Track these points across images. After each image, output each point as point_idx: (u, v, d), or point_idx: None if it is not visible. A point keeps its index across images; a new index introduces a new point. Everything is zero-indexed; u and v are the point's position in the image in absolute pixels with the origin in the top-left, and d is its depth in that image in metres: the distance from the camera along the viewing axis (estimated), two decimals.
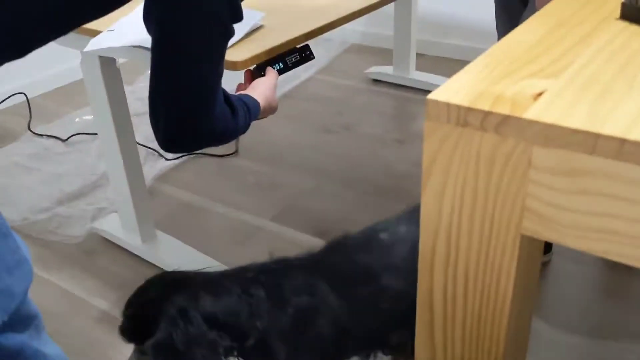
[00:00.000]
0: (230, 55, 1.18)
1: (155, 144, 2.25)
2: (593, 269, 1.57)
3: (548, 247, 1.52)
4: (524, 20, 1.30)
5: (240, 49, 1.21)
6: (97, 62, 1.49)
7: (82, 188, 2.10)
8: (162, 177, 2.15)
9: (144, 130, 2.24)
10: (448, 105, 0.53)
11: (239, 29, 1.26)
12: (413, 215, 1.10)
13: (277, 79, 1.22)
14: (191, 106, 0.85)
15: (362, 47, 3.23)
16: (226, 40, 0.85)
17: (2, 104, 2.69)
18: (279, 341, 0.93)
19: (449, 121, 0.53)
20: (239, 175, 2.15)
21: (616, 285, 1.52)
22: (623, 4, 0.68)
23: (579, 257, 1.58)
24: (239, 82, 1.24)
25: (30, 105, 2.67)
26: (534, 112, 0.50)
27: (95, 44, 1.29)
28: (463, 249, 0.58)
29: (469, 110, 0.52)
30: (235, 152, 2.28)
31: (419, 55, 2.81)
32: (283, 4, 1.46)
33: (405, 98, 2.65)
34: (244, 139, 2.34)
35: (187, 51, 0.81)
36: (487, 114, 0.51)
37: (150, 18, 0.80)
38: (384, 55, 3.02)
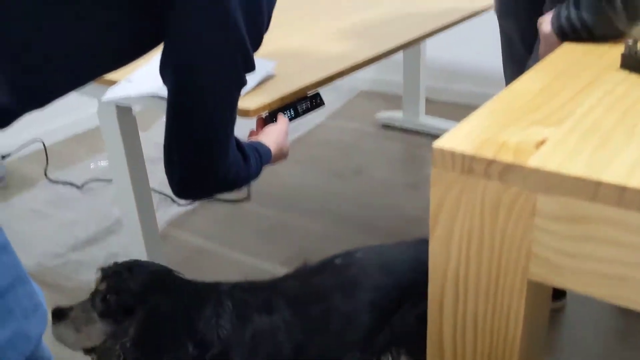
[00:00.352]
0: (243, 103, 1.22)
1: (168, 190, 2.27)
2: (608, 314, 1.55)
3: (562, 293, 1.51)
4: (529, 67, 1.33)
5: (252, 97, 1.25)
6: (113, 111, 1.53)
7: (96, 234, 2.13)
8: (175, 222, 2.17)
9: (157, 176, 2.27)
10: (453, 153, 0.54)
11: (252, 78, 1.30)
12: (372, 247, 1.19)
13: (288, 125, 1.25)
14: (205, 154, 0.87)
15: (372, 93, 3.29)
16: (240, 89, 0.88)
17: (20, 151, 2.75)
18: (238, 354, 0.97)
19: (454, 169, 0.55)
20: (251, 220, 2.17)
21: (631, 331, 1.50)
22: (623, 54, 0.70)
23: (593, 302, 1.57)
24: (250, 129, 1.27)
25: (48, 152, 2.73)
26: (536, 160, 0.51)
27: (112, 94, 1.33)
28: (471, 293, 0.59)
29: (474, 158, 0.53)
30: (247, 197, 2.31)
31: (428, 100, 2.85)
32: (294, 53, 1.50)
33: (415, 142, 2.68)
34: (255, 184, 2.37)
35: (202, 101, 0.84)
36: (490, 162, 0.52)
37: (166, 69, 0.84)
38: (393, 101, 3.07)
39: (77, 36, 0.75)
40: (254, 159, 1.01)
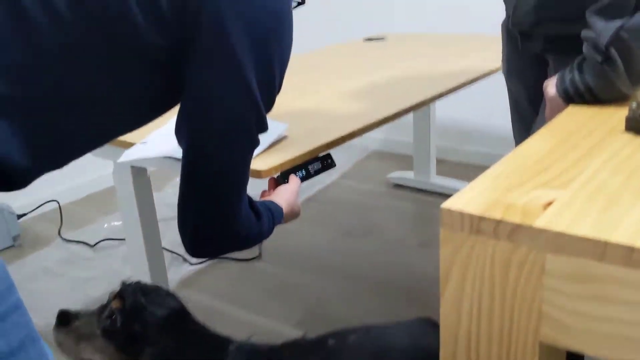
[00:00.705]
0: (255, 164, 1.24)
1: (180, 249, 2.28)
2: None
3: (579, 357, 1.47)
4: (536, 129, 1.35)
5: (264, 159, 1.27)
6: (128, 172, 1.56)
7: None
8: (186, 282, 2.16)
9: (170, 235, 2.29)
10: (462, 213, 0.55)
11: (265, 139, 1.33)
12: (368, 329, 1.16)
13: (299, 185, 1.26)
14: (219, 213, 0.89)
15: (383, 153, 3.33)
16: (253, 149, 0.90)
17: (35, 210, 2.78)
18: None
19: (463, 229, 0.55)
20: (262, 280, 2.16)
21: None
22: (627, 117, 0.72)
23: None
24: (263, 189, 1.28)
25: (62, 211, 2.76)
26: (544, 221, 0.52)
27: (128, 155, 1.36)
28: (483, 355, 0.58)
29: (482, 218, 0.54)
30: (259, 256, 2.30)
31: (439, 161, 2.88)
32: (306, 115, 1.54)
33: (426, 202, 2.69)
34: (267, 242, 2.38)
35: (216, 161, 0.86)
36: (499, 222, 0.53)
37: (181, 129, 0.86)
38: (404, 161, 3.10)
39: (95, 96, 0.78)
40: (267, 217, 1.03)
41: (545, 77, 1.32)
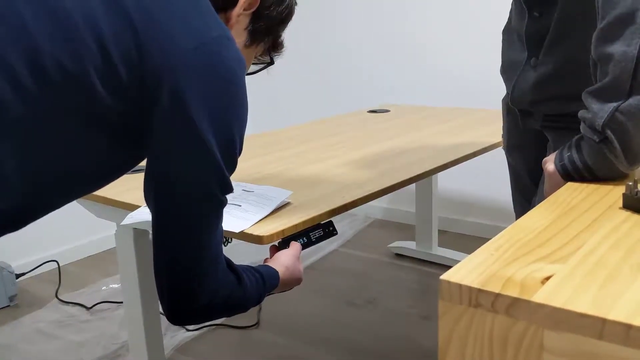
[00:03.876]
0: (257, 230, 1.25)
1: None
2: None
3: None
4: (536, 203, 1.36)
5: (265, 225, 1.28)
6: (131, 234, 1.57)
7: (102, 358, 2.08)
8: (182, 349, 2.12)
9: None
10: (460, 286, 0.55)
11: (267, 205, 1.35)
12: None
13: (300, 251, 1.26)
14: (191, 276, 0.89)
15: (385, 222, 3.33)
16: (218, 210, 0.90)
17: (34, 270, 2.77)
18: None
19: (461, 301, 0.55)
20: (260, 349, 2.11)
21: None
22: (624, 194, 0.73)
23: None
24: (265, 257, 1.28)
25: (61, 272, 2.75)
26: (542, 295, 0.52)
27: (132, 218, 1.37)
28: None
29: (480, 291, 0.54)
30: (257, 324, 2.27)
31: (441, 231, 2.88)
32: (309, 182, 1.56)
33: (428, 273, 2.67)
34: (266, 310, 2.35)
35: (183, 224, 0.86)
36: (497, 295, 0.53)
37: (148, 195, 0.88)
38: (406, 230, 3.10)
39: (62, 159, 0.81)
40: (253, 281, 1.02)
41: (544, 152, 1.35)
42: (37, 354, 2.13)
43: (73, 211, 1.60)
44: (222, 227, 0.93)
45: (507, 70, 1.36)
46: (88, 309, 2.46)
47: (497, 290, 0.53)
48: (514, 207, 1.57)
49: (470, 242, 2.95)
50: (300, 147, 1.99)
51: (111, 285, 2.64)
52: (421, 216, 2.77)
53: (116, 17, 0.78)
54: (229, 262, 0.97)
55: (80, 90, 0.77)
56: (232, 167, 0.89)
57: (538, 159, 1.39)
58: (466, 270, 0.58)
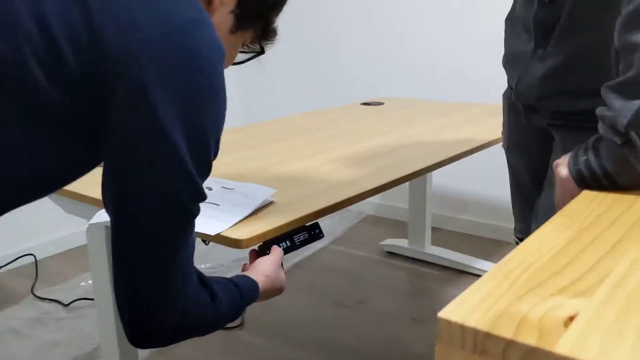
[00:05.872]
0: (235, 232, 1.14)
1: None
2: None
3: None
4: (541, 208, 1.25)
5: (245, 227, 1.17)
6: (102, 231, 1.46)
7: (76, 359, 1.97)
8: (160, 351, 2.01)
9: None
10: (463, 327, 0.45)
11: (248, 204, 1.23)
12: None
13: (282, 256, 1.15)
14: (155, 293, 0.76)
15: (377, 218, 3.22)
16: (188, 220, 0.78)
17: (10, 264, 2.65)
18: None
19: (464, 347, 0.45)
20: (244, 351, 2.01)
21: None
22: None
23: None
24: (244, 263, 1.17)
25: (38, 266, 2.63)
26: (567, 345, 0.41)
27: (101, 217, 1.26)
28: None
29: (488, 336, 0.43)
30: (241, 325, 2.16)
31: (434, 229, 2.77)
32: (295, 180, 1.45)
33: (420, 273, 2.57)
34: (250, 310, 2.24)
35: (144, 237, 0.74)
36: (509, 342, 0.43)
37: (105, 202, 0.75)
38: (399, 227, 3.00)
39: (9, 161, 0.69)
40: (229, 296, 0.90)
41: (549, 153, 1.24)
42: (9, 356, 2.01)
43: (51, 202, 1.48)
44: (194, 239, 0.81)
45: (511, 62, 1.25)
46: (65, 305, 2.34)
47: (509, 336, 0.43)
48: (513, 209, 1.47)
49: (464, 240, 2.85)
50: (287, 141, 1.88)
51: (90, 281, 2.52)
52: (414, 213, 2.67)
53: None
54: (201, 278, 0.85)
55: (13, 77, 0.65)
56: (205, 172, 0.76)
57: (541, 159, 1.29)
58: (470, 306, 0.47)
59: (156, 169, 0.71)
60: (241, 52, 0.95)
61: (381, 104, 2.54)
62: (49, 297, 2.40)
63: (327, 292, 2.40)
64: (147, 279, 0.76)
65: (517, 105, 1.27)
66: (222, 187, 1.34)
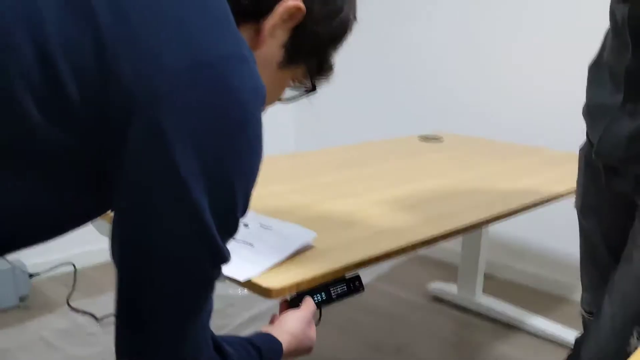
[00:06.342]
0: (266, 280, 1.04)
1: None
2: None
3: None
4: (616, 286, 1.09)
5: (278, 274, 1.06)
6: None
7: None
8: None
9: None
10: None
11: (286, 248, 1.13)
12: None
13: (314, 311, 1.04)
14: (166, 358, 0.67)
15: (426, 258, 3.06)
16: (206, 286, 0.67)
17: (50, 271, 2.64)
18: None
19: None
20: None
21: None
22: None
23: None
24: (273, 314, 1.06)
25: (77, 276, 2.61)
26: None
27: None
28: None
29: None
30: None
31: (487, 276, 2.60)
32: (338, 222, 1.34)
33: (468, 323, 2.40)
34: None
35: (154, 301, 0.64)
36: None
37: (113, 252, 0.65)
38: (449, 270, 2.83)
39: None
40: None
41: (631, 222, 1.09)
42: None
43: None
44: (212, 302, 0.71)
45: (593, 114, 1.11)
46: (97, 319, 2.30)
47: None
48: (582, 278, 1.31)
49: (519, 292, 2.66)
50: (336, 174, 1.77)
51: None
52: (467, 257, 2.50)
53: (74, 15, 0.56)
54: (217, 344, 0.75)
55: (4, 116, 0.55)
56: (229, 233, 0.66)
57: (621, 228, 1.13)
58: None
59: (171, 228, 0.61)
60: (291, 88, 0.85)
61: (439, 139, 2.40)
62: (83, 309, 2.36)
63: (364, 334, 2.27)
64: (153, 351, 0.66)
65: (596, 165, 1.12)
66: (260, 224, 1.24)
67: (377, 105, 3.19)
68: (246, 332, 2.20)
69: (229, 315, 2.28)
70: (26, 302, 2.40)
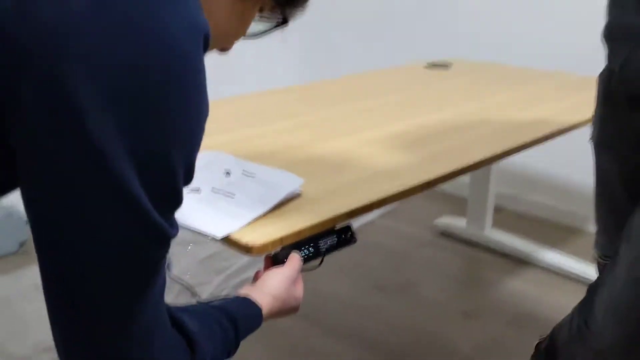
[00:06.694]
0: (246, 235, 0.94)
1: (189, 278, 2.02)
2: None
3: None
4: (634, 225, 0.99)
5: (261, 227, 0.97)
6: None
7: None
8: None
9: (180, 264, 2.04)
10: None
11: (269, 198, 1.02)
12: None
13: (299, 269, 0.95)
14: (105, 348, 0.57)
15: (432, 191, 2.94)
16: (148, 269, 0.56)
17: None
18: None
19: None
20: (269, 334, 1.85)
21: None
22: None
23: None
24: (257, 270, 0.97)
25: None
26: None
27: None
28: None
29: None
30: None
31: (497, 209, 2.50)
32: (330, 166, 1.23)
33: (477, 259, 2.32)
34: None
35: (84, 292, 0.53)
36: None
37: (27, 213, 0.53)
38: (457, 204, 2.73)
39: None
40: (218, 338, 0.71)
41: None
42: (30, 315, 1.95)
43: None
44: (162, 278, 0.60)
45: (616, 37, 0.97)
46: None
47: None
48: (596, 218, 1.20)
49: (531, 224, 2.57)
50: (327, 110, 1.64)
51: None
52: (475, 189, 2.41)
53: None
54: (177, 321, 0.65)
55: None
56: (169, 205, 0.55)
57: (638, 166, 1.01)
58: None
59: (93, 206, 0.49)
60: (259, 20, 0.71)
61: (447, 66, 2.24)
62: None
63: (369, 274, 2.20)
64: (96, 345, 0.56)
65: (617, 94, 0.99)
66: (243, 170, 1.13)
67: (382, 31, 3.00)
68: (246, 274, 2.16)
69: (229, 257, 2.22)
70: (25, 248, 2.37)
